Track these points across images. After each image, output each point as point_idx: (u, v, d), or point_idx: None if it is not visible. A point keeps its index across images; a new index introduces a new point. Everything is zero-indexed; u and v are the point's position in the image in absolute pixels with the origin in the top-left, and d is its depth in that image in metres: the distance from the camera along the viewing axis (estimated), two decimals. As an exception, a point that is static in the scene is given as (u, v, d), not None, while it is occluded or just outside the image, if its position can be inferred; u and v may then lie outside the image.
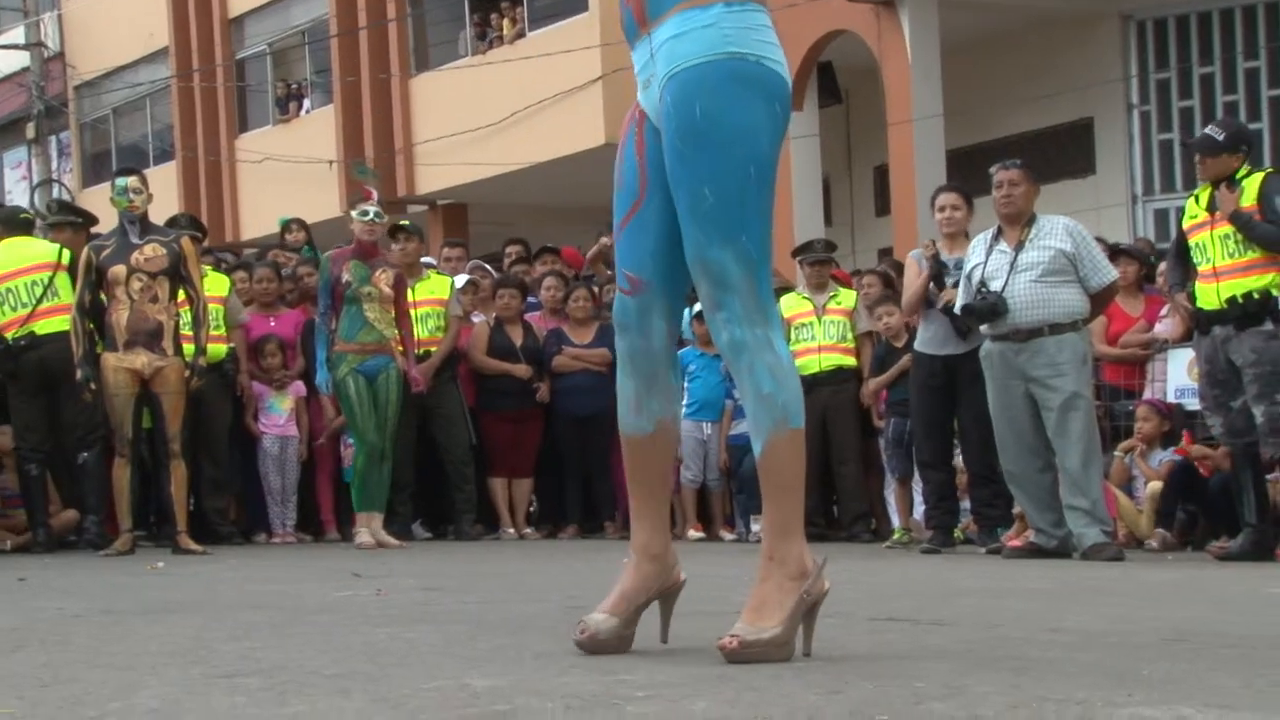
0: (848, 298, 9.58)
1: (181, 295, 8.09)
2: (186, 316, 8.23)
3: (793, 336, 9.50)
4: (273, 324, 9.79)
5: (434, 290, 9.82)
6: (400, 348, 8.67)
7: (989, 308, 7.02)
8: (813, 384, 9.36)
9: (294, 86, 22.00)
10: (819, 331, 9.45)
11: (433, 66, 19.79)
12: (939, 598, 4.59)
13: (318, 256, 11.31)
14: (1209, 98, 16.15)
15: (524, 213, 21.30)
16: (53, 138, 26.42)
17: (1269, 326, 6.73)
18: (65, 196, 24.73)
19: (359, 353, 8.47)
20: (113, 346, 7.94)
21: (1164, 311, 8.84)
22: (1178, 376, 8.68)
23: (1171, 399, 8.65)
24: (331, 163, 20.36)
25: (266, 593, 4.89)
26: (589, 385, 9.86)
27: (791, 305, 9.51)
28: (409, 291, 9.54)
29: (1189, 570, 6.04)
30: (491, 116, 18.27)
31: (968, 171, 16.79)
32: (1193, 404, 8.30)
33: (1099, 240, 9.99)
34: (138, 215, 8.02)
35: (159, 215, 22.98)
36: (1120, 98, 16.59)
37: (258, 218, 22.05)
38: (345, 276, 8.49)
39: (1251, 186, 6.79)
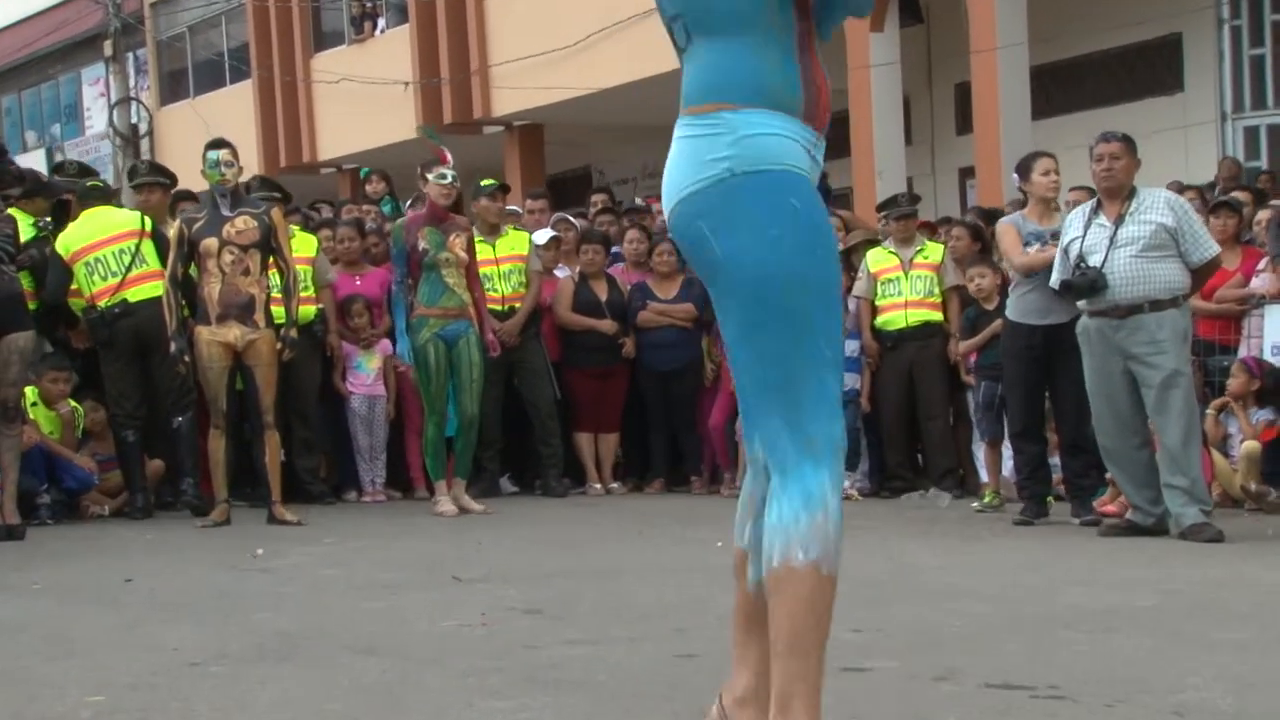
0: (934, 251, 9.47)
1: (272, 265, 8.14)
2: (275, 280, 8.28)
3: (879, 291, 9.44)
4: (358, 283, 9.83)
5: (514, 246, 9.80)
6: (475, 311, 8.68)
7: (1089, 284, 6.91)
8: (899, 339, 9.34)
9: (369, 5, 21.87)
10: (905, 287, 9.37)
11: (509, -15, 19.61)
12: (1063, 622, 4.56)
13: (399, 207, 11.34)
14: (1303, 11, 15.73)
15: (601, 134, 21.21)
16: (129, 55, 26.52)
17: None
18: (143, 119, 24.88)
19: (441, 317, 8.48)
20: (205, 320, 8.01)
21: (1261, 265, 8.69)
22: (1275, 333, 8.55)
23: (1269, 356, 8.53)
24: (407, 84, 20.31)
25: (375, 615, 4.94)
26: (673, 340, 9.85)
27: (878, 260, 9.43)
28: (491, 248, 9.59)
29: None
30: (569, 38, 18.11)
31: (1052, 90, 16.53)
32: (1289, 362, 8.19)
33: (1193, 197, 9.89)
34: (229, 188, 8.04)
35: (239, 134, 23.12)
36: (1210, 12, 16.18)
37: (334, 139, 22.12)
38: (421, 244, 8.48)
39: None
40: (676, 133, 2.66)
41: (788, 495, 2.57)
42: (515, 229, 10.06)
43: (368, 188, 11.76)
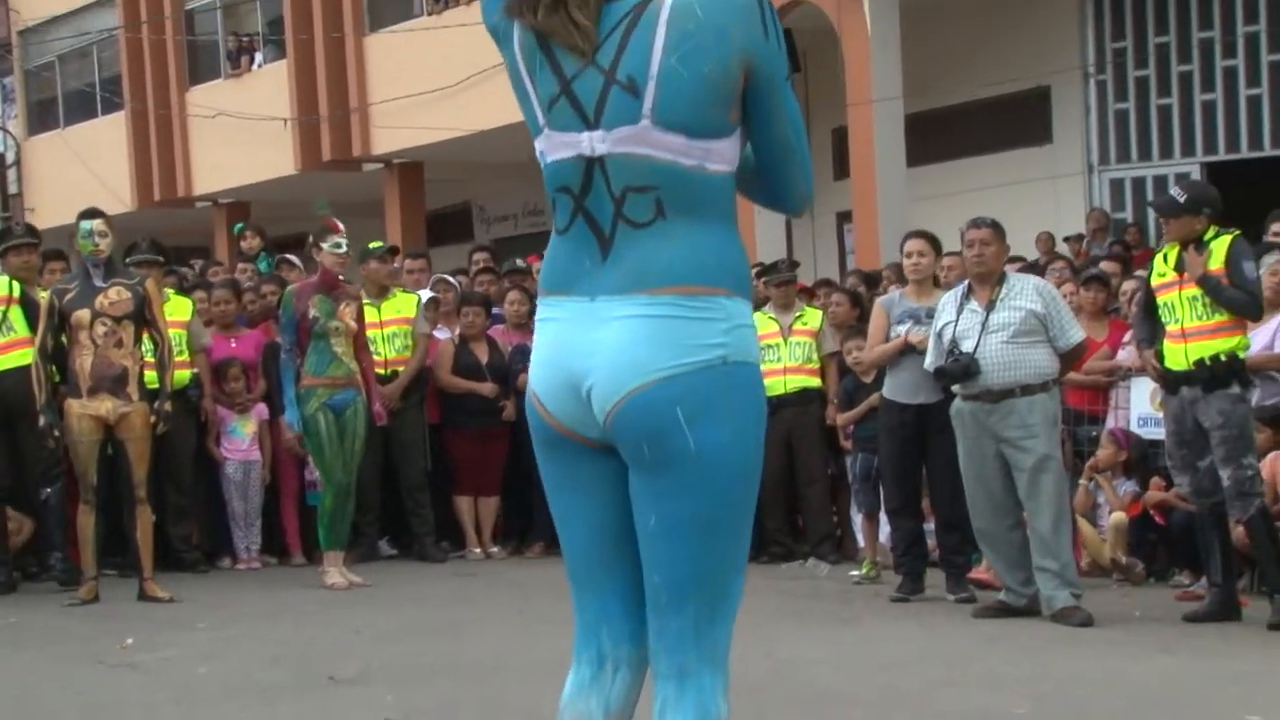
0: (813, 318, 9.58)
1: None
2: (149, 348, 8.15)
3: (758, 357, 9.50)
4: (234, 345, 9.70)
5: (401, 309, 9.76)
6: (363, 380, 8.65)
7: (962, 369, 7.04)
8: (778, 405, 9.40)
9: (245, 40, 21.62)
10: (784, 353, 9.46)
11: (387, 25, 19.49)
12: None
13: (273, 264, 11.22)
14: (1164, 68, 16.18)
15: (481, 171, 21.15)
16: (-4, 81, 25.94)
17: (1235, 389, 6.78)
18: (10, 155, 24.30)
19: (329, 387, 8.43)
20: (76, 393, 7.86)
21: (1126, 338, 8.90)
22: (1141, 404, 8.75)
23: (1135, 427, 8.73)
24: (285, 120, 20.10)
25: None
26: (555, 402, 9.83)
27: (758, 326, 9.51)
28: (377, 311, 9.54)
29: (1183, 659, 6.07)
30: (447, 79, 18.04)
31: (927, 138, 16.81)
32: (1155, 433, 8.38)
33: (1061, 255, 10.12)
34: (102, 259, 7.90)
35: (112, 169, 22.60)
36: (1077, 66, 16.58)
37: (210, 173, 21.81)
38: (312, 311, 8.41)
39: (1220, 249, 6.81)
40: (629, 311, 2.51)
41: (683, 711, 2.50)
42: (403, 291, 10.00)
43: (242, 244, 11.60)
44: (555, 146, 2.55)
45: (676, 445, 2.48)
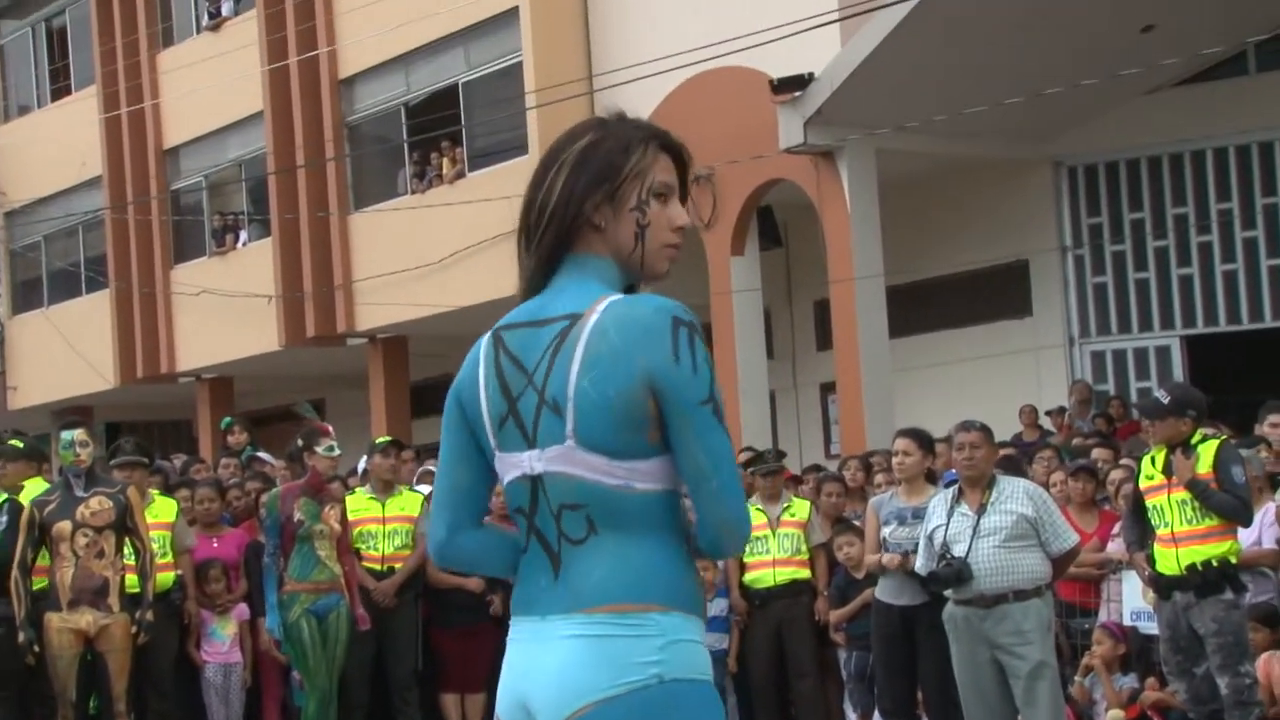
0: (801, 509, 9.54)
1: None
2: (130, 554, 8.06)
3: (747, 550, 9.45)
4: (215, 545, 9.62)
5: (404, 506, 9.70)
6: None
7: (954, 575, 6.99)
8: (767, 597, 9.33)
9: (230, 219, 21.81)
10: (773, 545, 9.41)
11: (371, 204, 19.70)
12: None
13: (260, 456, 11.18)
14: (1140, 242, 16.40)
15: (465, 344, 20.97)
16: (-19, 262, 26.04)
17: (1229, 595, 6.75)
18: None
19: (312, 592, 8.35)
20: (55, 606, 7.76)
21: (1116, 530, 8.86)
22: (1133, 599, 8.68)
23: (1128, 621, 8.66)
24: (269, 298, 20.19)
25: None
26: (541, 597, 9.73)
27: (745, 519, 9.47)
28: (381, 506, 9.50)
29: None
30: (431, 255, 18.18)
31: (908, 310, 16.95)
32: (1149, 627, 8.32)
33: (1048, 438, 10.15)
34: (83, 469, 7.86)
35: (94, 346, 22.61)
36: (1054, 240, 16.80)
37: (194, 349, 21.83)
38: (297, 515, 8.36)
39: (1207, 453, 6.84)
40: (570, 630, 2.51)
41: None
42: (409, 490, 9.95)
43: (229, 439, 11.58)
44: (506, 468, 2.62)
45: None
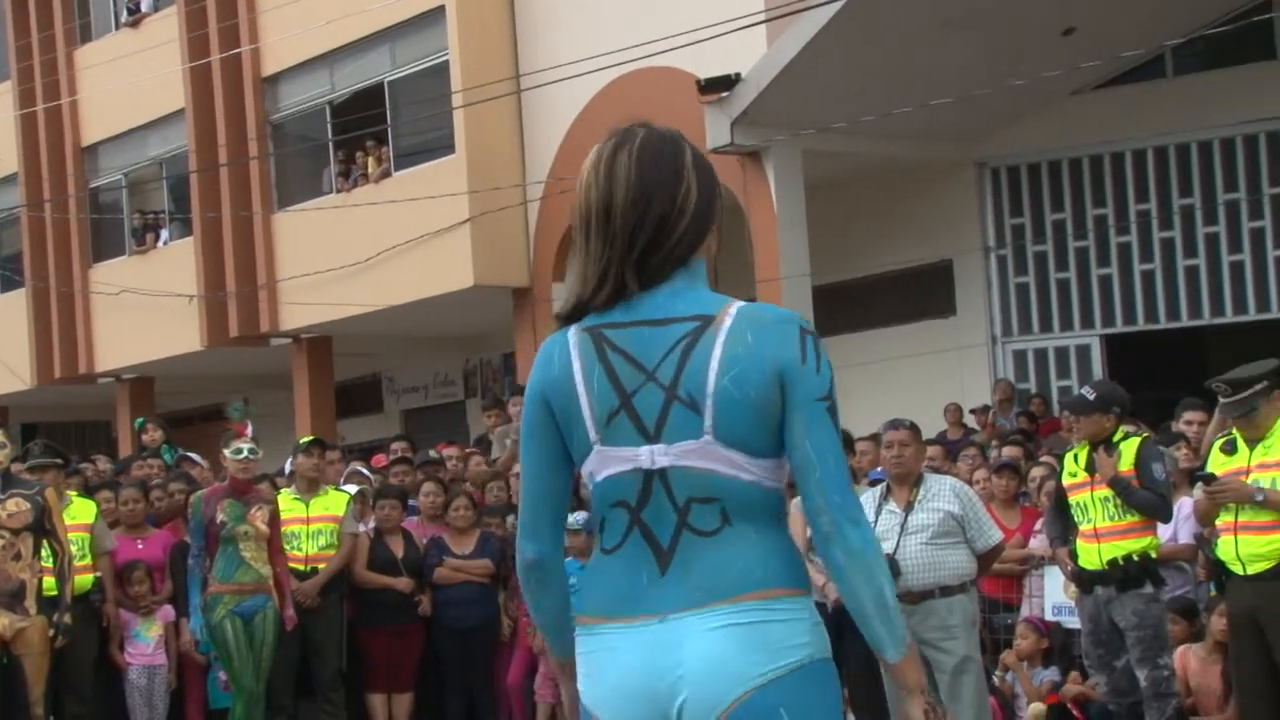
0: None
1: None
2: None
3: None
4: (140, 547, 9.50)
5: (329, 506, 9.61)
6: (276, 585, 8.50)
7: (880, 572, 7.03)
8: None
9: (151, 217, 21.55)
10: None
11: (296, 203, 19.54)
12: None
13: (178, 453, 11.07)
14: (1061, 242, 16.60)
15: (390, 343, 21.12)
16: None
17: (1149, 589, 6.85)
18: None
19: (237, 593, 8.28)
20: (-30, 609, 7.64)
21: (1038, 526, 8.97)
22: (1055, 593, 8.80)
23: (1050, 616, 8.77)
24: (191, 297, 19.98)
25: None
26: (471, 597, 9.71)
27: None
28: (305, 506, 9.43)
29: None
30: (357, 255, 18.06)
31: (835, 308, 17.06)
32: (1071, 622, 8.42)
33: (972, 435, 10.27)
34: (0, 470, 7.73)
35: (10, 346, 22.23)
36: (978, 241, 16.97)
37: (114, 350, 21.56)
38: (220, 516, 8.29)
39: (1129, 451, 6.93)
40: (716, 622, 2.57)
41: None
42: (335, 490, 9.87)
43: (144, 437, 11.44)
44: (609, 462, 2.64)
45: None
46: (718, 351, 2.61)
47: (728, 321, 2.64)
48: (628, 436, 2.62)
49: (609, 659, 2.62)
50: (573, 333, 2.69)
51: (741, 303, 2.71)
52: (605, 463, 2.64)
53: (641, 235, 2.67)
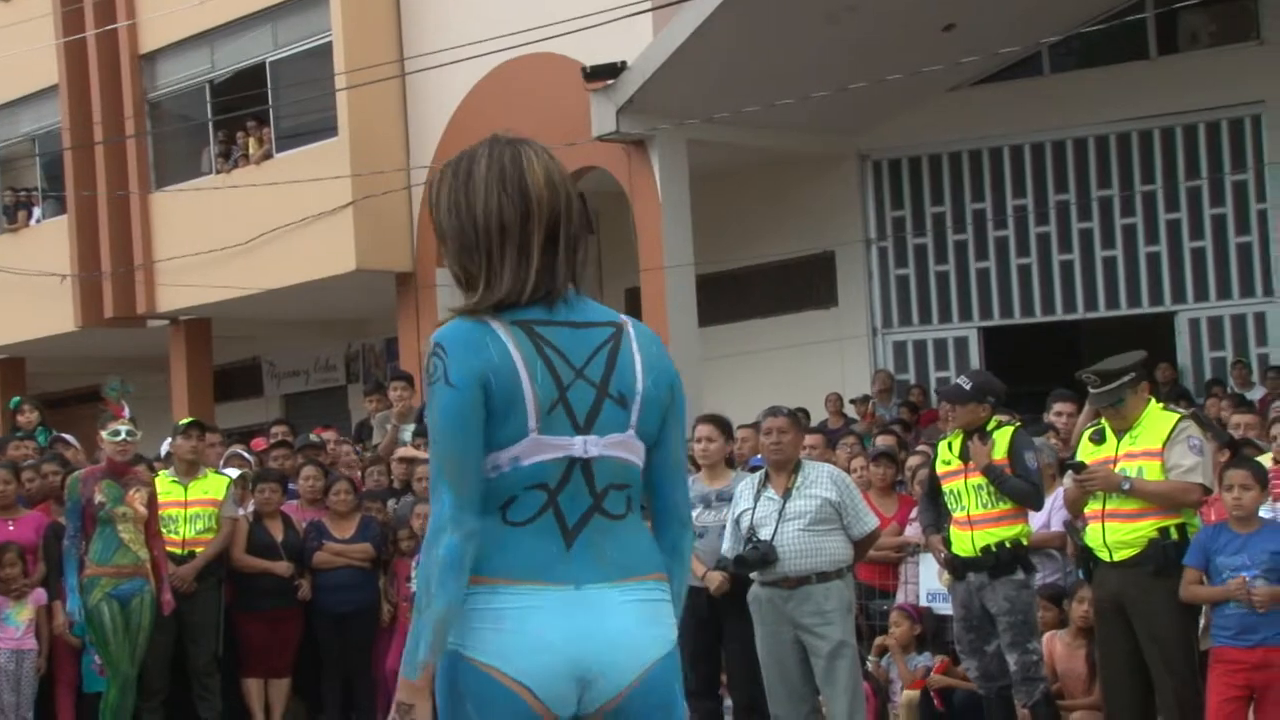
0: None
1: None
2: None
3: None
4: (12, 528, 9.30)
5: (208, 490, 9.50)
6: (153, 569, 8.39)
7: (760, 558, 7.13)
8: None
9: (23, 194, 21.07)
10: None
11: (174, 183, 19.23)
12: None
13: (52, 434, 10.87)
14: (941, 235, 16.89)
15: (271, 327, 20.88)
16: None
17: (1020, 575, 7.01)
18: None
19: (114, 576, 8.16)
20: None
21: (913, 514, 9.13)
22: (929, 580, 8.95)
23: (924, 602, 8.93)
24: (64, 277, 19.58)
25: None
26: (351, 581, 9.66)
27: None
28: (183, 489, 9.32)
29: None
30: (237, 237, 17.83)
31: (717, 299, 17.20)
32: (944, 608, 8.58)
33: (851, 424, 10.42)
34: None
35: None
36: (859, 233, 17.20)
37: (-17, 328, 21.06)
38: (98, 497, 8.17)
39: (1002, 440, 7.08)
40: (628, 596, 2.82)
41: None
42: (215, 473, 9.76)
43: (19, 419, 11.21)
44: (541, 449, 2.82)
45: (677, 714, 2.88)
46: (638, 357, 2.90)
47: (631, 331, 2.94)
48: (562, 427, 2.83)
49: (531, 615, 2.77)
50: (498, 324, 2.81)
51: (623, 315, 3.01)
52: (538, 449, 2.82)
53: (572, 234, 2.87)
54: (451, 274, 2.93)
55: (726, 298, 17.57)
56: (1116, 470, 6.48)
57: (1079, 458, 6.70)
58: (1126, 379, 6.49)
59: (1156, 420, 6.55)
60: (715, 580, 7.54)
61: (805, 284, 17.58)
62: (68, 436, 10.68)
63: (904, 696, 8.47)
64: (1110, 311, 16.10)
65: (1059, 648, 7.64)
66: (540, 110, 15.47)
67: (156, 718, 9.42)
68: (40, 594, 9.18)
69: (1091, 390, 6.61)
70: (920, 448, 9.94)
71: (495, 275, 2.83)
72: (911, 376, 16.80)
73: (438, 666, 2.77)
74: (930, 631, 8.76)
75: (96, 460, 8.57)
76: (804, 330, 17.42)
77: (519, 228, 2.83)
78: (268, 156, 18.15)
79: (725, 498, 7.68)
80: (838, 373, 16.65)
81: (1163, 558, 6.38)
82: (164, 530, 8.99)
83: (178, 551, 9.23)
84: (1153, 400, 6.68)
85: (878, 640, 8.86)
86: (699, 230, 15.56)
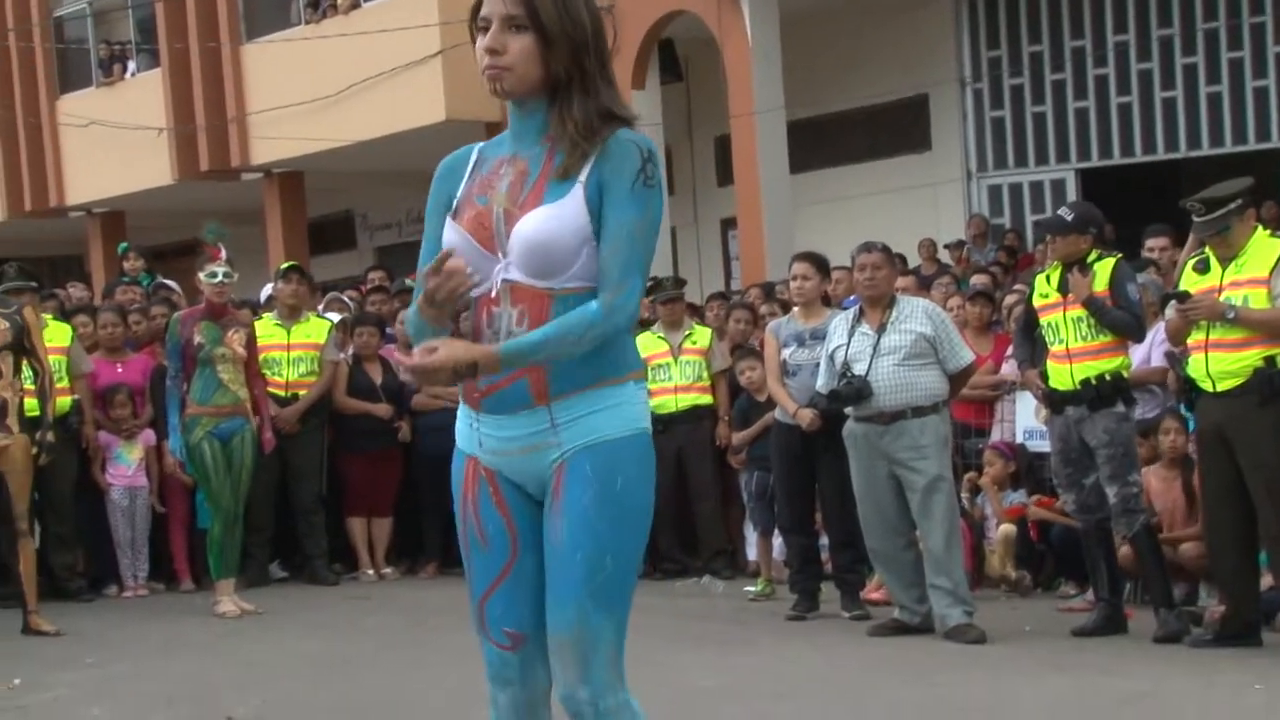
0: (702, 336, 9.63)
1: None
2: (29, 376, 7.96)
3: (649, 376, 9.54)
4: (120, 370, 9.53)
5: (310, 334, 9.68)
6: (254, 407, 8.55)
7: (855, 392, 7.12)
8: (669, 423, 9.42)
9: (117, 48, 21.18)
10: (675, 372, 9.50)
11: (264, 34, 19.21)
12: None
13: (156, 280, 11.04)
14: (1038, 76, 16.50)
15: (362, 179, 20.96)
16: None
17: (1121, 408, 6.94)
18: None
19: (214, 415, 8.31)
20: (-48, 427, 7.66)
21: (1010, 352, 9.05)
22: (1026, 418, 8.92)
23: (1020, 439, 8.90)
24: (160, 130, 19.74)
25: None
26: (449, 422, 9.66)
27: (647, 345, 9.50)
28: (286, 333, 9.48)
29: (1074, 677, 6.18)
30: (327, 88, 17.82)
31: (809, 145, 16.99)
32: (1040, 445, 8.55)
33: (945, 266, 10.31)
34: (-24, 290, 7.71)
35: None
36: (953, 75, 16.85)
37: (84, 183, 21.36)
38: (197, 338, 8.30)
39: (1104, 271, 6.96)
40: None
41: None
42: (316, 316, 9.92)
43: (125, 264, 11.40)
44: None
45: None
46: None
47: None
48: None
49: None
50: None
51: None
52: None
53: None
54: (547, 72, 2.95)
55: (818, 143, 17.35)
56: (1221, 299, 6.36)
57: (1182, 287, 6.58)
58: (1233, 206, 6.34)
59: (1263, 247, 6.39)
60: (806, 417, 7.55)
61: (898, 128, 17.29)
62: (170, 283, 10.85)
63: (1000, 531, 8.49)
64: (1214, 149, 15.68)
65: (1154, 482, 7.59)
66: (630, -47, 15.21)
67: (264, 554, 9.71)
68: (149, 435, 9.42)
69: (1196, 218, 6.47)
70: (1017, 287, 9.82)
71: (611, 76, 2.94)
72: (1007, 221, 16.54)
73: (636, 445, 2.94)
74: (1023, 469, 8.74)
75: (197, 304, 8.69)
76: (897, 175, 17.18)
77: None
78: (355, 6, 18.06)
79: (819, 336, 7.66)
80: (932, 218, 16.43)
81: (1268, 387, 6.26)
82: (268, 373, 9.16)
83: (281, 394, 9.44)
84: (1259, 227, 6.52)
85: (968, 476, 8.86)
86: (789, 76, 15.32)
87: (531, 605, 2.99)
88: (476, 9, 2.95)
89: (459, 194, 3.05)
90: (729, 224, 17.85)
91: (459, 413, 3.10)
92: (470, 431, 3.05)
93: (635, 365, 3.01)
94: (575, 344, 2.87)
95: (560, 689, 2.93)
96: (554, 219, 2.89)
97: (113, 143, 20.17)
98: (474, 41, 2.96)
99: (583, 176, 2.92)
